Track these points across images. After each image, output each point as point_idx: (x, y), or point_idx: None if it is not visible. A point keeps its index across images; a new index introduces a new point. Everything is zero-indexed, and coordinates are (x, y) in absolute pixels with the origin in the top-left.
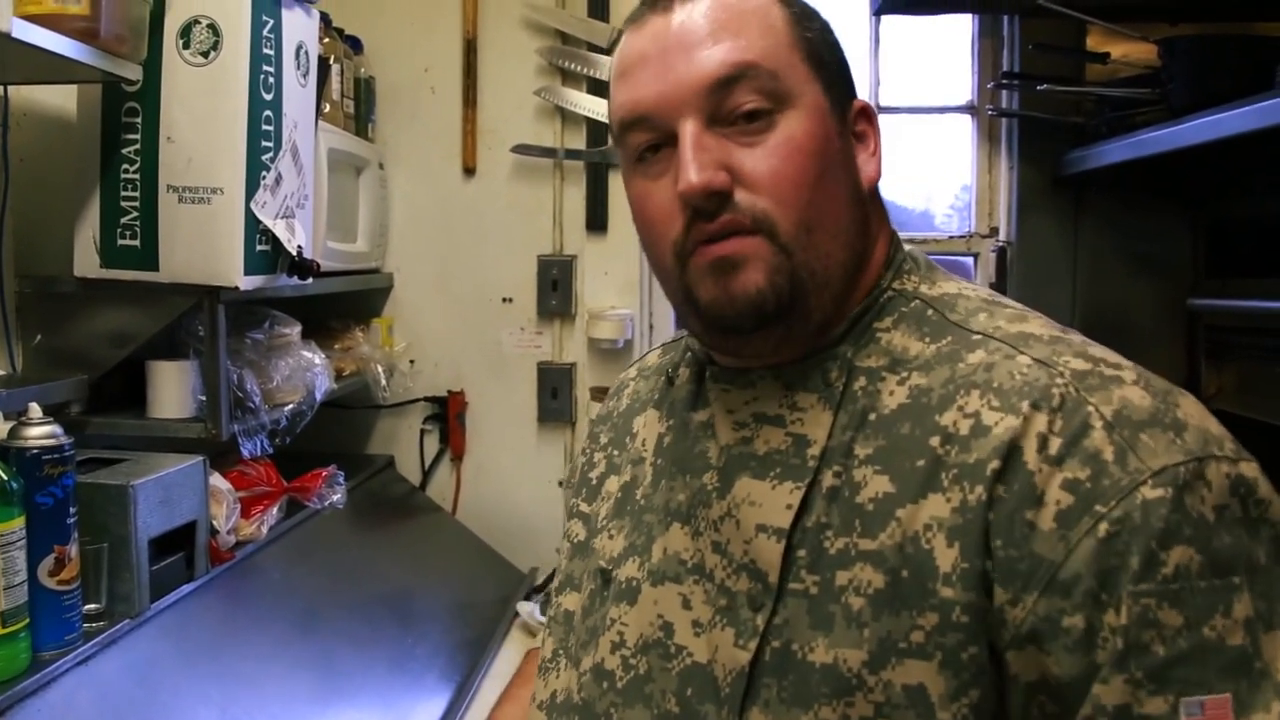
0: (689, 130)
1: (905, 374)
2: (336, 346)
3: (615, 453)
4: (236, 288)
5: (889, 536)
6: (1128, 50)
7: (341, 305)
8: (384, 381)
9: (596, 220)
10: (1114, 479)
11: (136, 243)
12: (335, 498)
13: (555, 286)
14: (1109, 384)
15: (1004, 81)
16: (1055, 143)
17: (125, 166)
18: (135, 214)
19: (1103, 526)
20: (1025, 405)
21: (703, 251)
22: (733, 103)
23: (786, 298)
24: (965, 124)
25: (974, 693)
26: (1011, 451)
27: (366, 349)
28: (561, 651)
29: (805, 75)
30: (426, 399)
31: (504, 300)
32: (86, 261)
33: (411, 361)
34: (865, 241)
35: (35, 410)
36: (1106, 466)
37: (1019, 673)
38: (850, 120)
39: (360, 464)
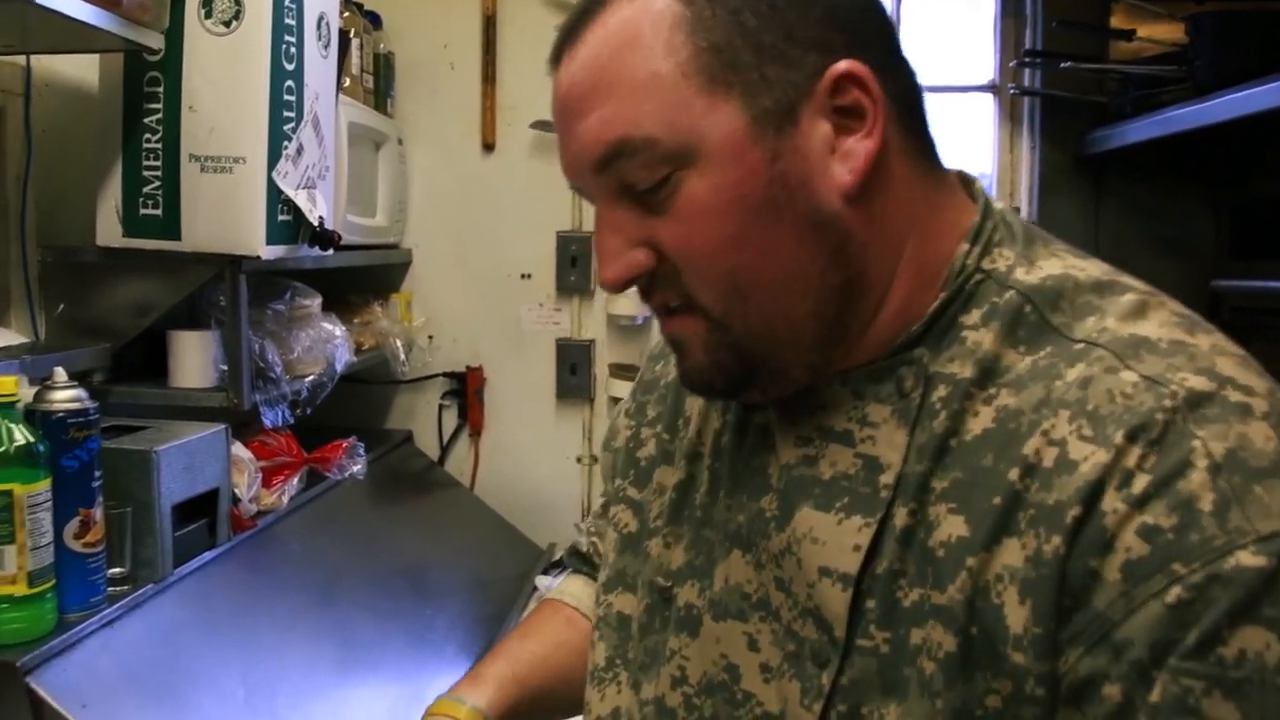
0: (598, 213)
1: (994, 390)
2: (356, 321)
3: (666, 436)
4: (258, 257)
5: (959, 589)
6: (1153, 28)
7: (361, 280)
8: (403, 356)
9: None
10: (1205, 535)
11: (158, 212)
12: (355, 468)
13: (574, 263)
14: (1230, 415)
15: (1026, 60)
16: (1078, 122)
17: (147, 136)
18: (157, 183)
19: (1175, 591)
20: (1120, 436)
21: (661, 322)
22: (624, 181)
23: (737, 370)
24: (987, 103)
25: None
26: (1096, 493)
27: (385, 323)
28: (619, 661)
29: (704, 106)
30: (445, 374)
31: (523, 276)
32: (109, 231)
33: (430, 337)
34: (859, 259)
35: (60, 374)
36: (1199, 518)
37: None
38: (822, 101)
39: (379, 439)
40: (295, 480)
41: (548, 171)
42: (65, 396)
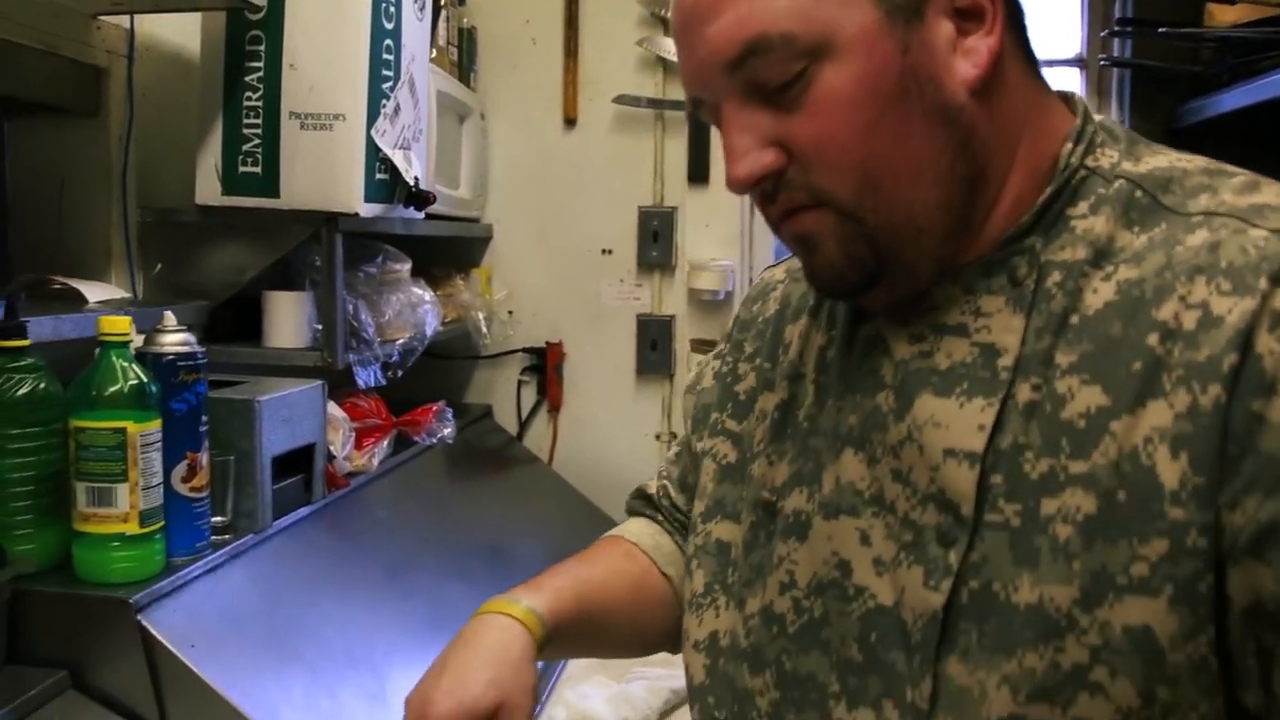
0: (726, 114)
1: (1111, 268)
2: (438, 293)
3: (767, 365)
4: (356, 214)
5: (1102, 455)
6: None
7: (443, 253)
8: (484, 330)
9: (698, 171)
10: None
11: (258, 169)
12: (445, 432)
13: (656, 238)
14: None
15: (1118, 29)
16: (1170, 94)
17: (248, 94)
18: (257, 141)
19: None
20: (1263, 281)
21: (781, 225)
22: (758, 79)
23: (871, 264)
24: (1073, 78)
25: (1210, 629)
26: (1248, 339)
27: (467, 296)
28: (718, 587)
29: (838, 1)
30: (524, 350)
31: (604, 252)
32: (208, 189)
33: (510, 312)
34: (983, 153)
35: (170, 319)
36: None
37: (1236, 595)
38: (945, 1)
39: (459, 412)
40: (385, 443)
41: (630, 146)
42: (175, 340)
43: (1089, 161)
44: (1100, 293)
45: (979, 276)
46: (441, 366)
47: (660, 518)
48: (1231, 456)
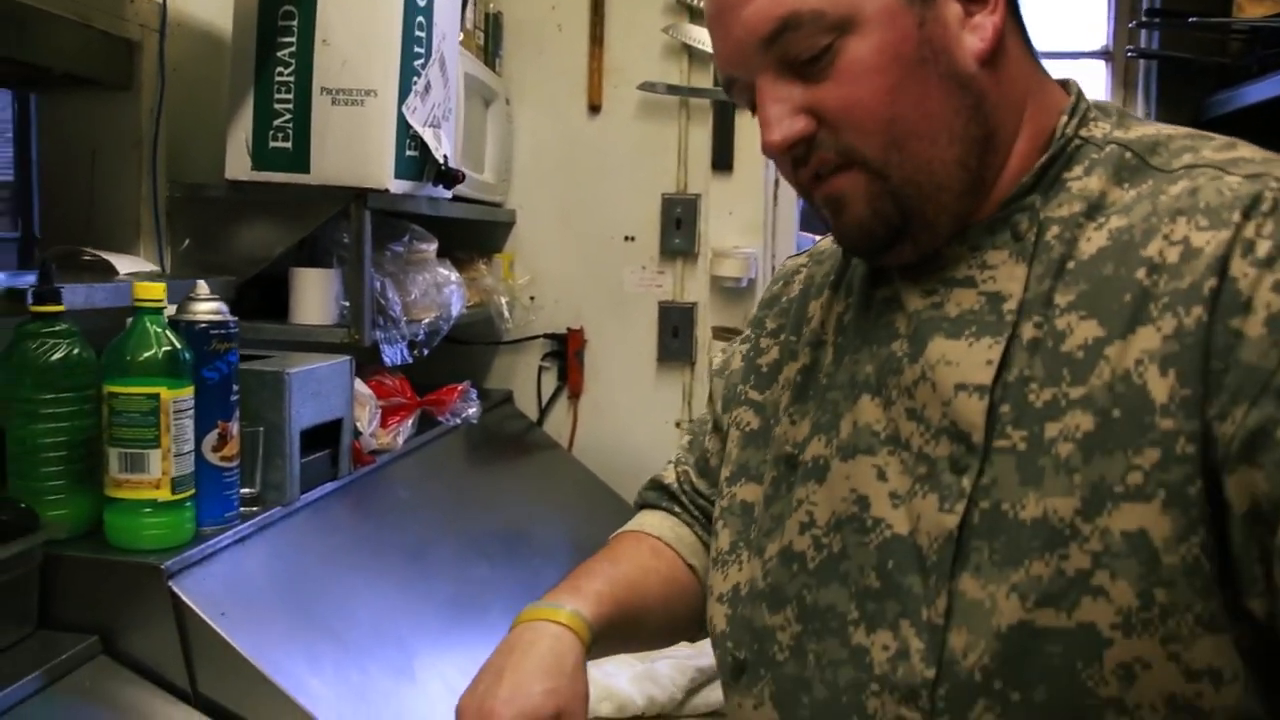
0: (760, 87)
1: (1104, 219)
2: (462, 276)
3: (791, 338)
4: (386, 190)
5: (1098, 378)
6: None
7: (467, 237)
8: (507, 314)
9: (722, 159)
10: None
11: (288, 144)
12: (470, 411)
13: (679, 225)
14: None
15: (1146, 20)
16: (1196, 87)
17: (280, 69)
18: (288, 116)
19: None
20: (1235, 215)
21: (812, 190)
22: (790, 53)
23: (896, 219)
24: (1099, 70)
25: (1202, 531)
26: (1224, 264)
27: (490, 281)
28: (742, 544)
29: None
30: (546, 336)
31: (626, 239)
32: (238, 164)
33: (532, 297)
34: (993, 118)
35: (203, 288)
36: None
37: (1234, 501)
38: None
39: (480, 397)
40: (410, 422)
41: (654, 133)
42: (208, 308)
43: (1083, 132)
44: (1094, 240)
45: (984, 235)
46: (463, 351)
47: (678, 509)
48: (1215, 371)
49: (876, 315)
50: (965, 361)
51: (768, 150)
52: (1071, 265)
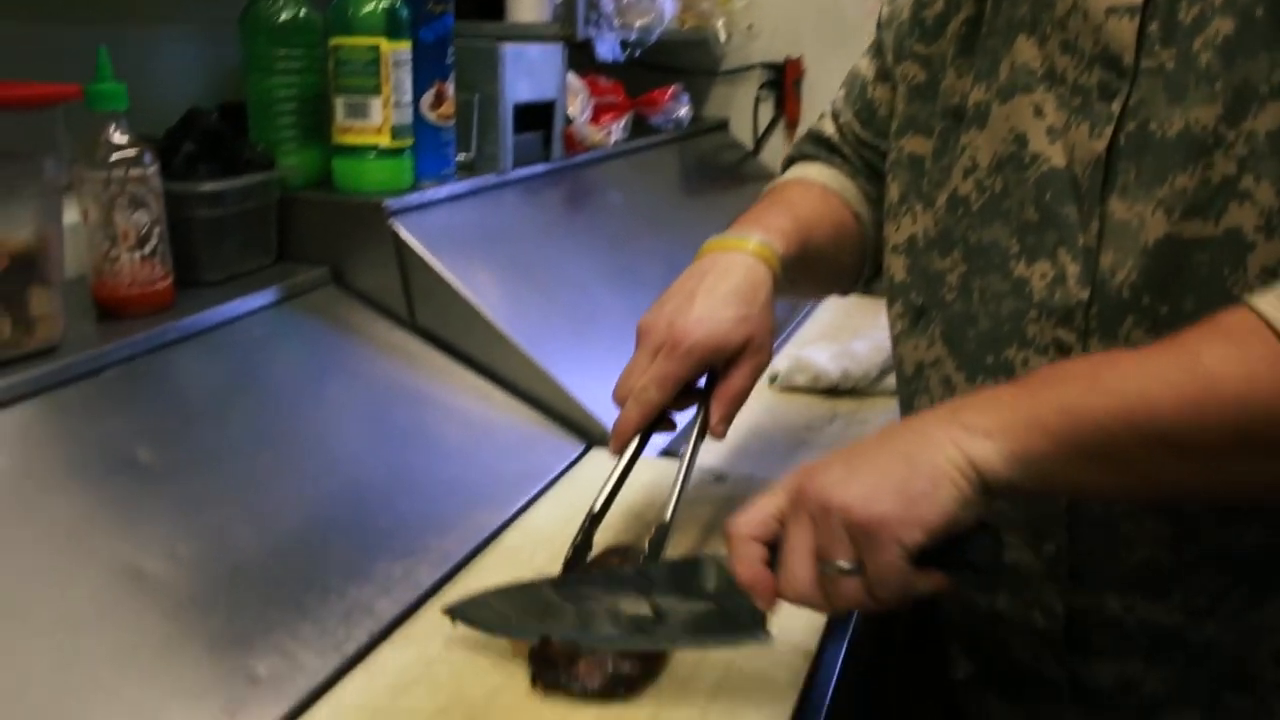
0: None
1: None
2: None
3: None
4: None
5: None
6: None
7: None
8: (723, 38)
9: None
10: None
11: None
12: (681, 112)
13: None
14: None
15: None
16: None
17: None
18: None
19: None
20: None
21: None
22: None
23: None
24: None
25: None
26: None
27: (707, 5)
28: (913, 195)
29: None
30: (763, 65)
31: None
32: None
33: (750, 25)
34: None
35: None
36: None
37: None
38: None
39: (695, 123)
40: (622, 123)
41: None
42: None
43: None
44: None
45: None
46: (679, 80)
47: (838, 160)
48: None
49: None
50: None
51: None
52: None
